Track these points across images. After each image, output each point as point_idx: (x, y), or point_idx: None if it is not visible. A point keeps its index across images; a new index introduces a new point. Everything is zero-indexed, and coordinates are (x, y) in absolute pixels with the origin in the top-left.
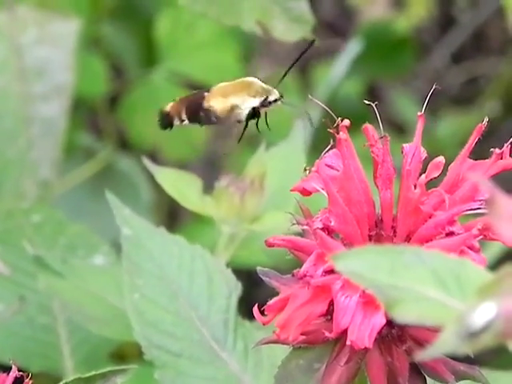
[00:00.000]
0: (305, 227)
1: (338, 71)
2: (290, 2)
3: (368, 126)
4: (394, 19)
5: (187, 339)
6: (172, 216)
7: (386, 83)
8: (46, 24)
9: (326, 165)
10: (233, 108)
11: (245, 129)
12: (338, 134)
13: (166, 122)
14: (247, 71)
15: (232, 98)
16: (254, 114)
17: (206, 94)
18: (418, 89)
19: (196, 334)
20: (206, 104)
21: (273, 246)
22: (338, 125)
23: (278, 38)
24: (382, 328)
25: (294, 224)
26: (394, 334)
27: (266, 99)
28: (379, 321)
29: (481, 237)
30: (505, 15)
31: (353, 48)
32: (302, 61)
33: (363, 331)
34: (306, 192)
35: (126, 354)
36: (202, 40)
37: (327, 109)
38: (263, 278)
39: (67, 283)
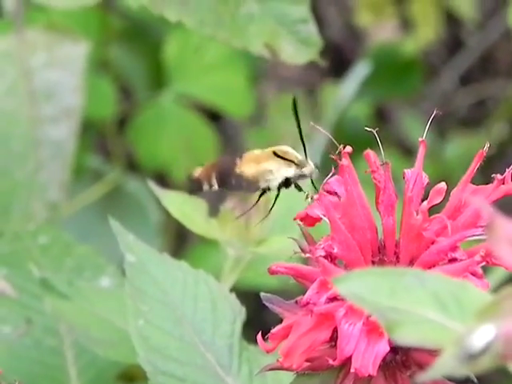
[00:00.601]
0: (308, 255)
1: (346, 93)
2: (297, 24)
3: (369, 152)
4: (403, 41)
5: (192, 364)
6: (180, 238)
7: (395, 105)
8: (55, 47)
9: (329, 191)
10: (266, 174)
11: (276, 198)
12: (340, 160)
13: (196, 187)
14: (255, 94)
15: (266, 164)
16: (286, 184)
17: (238, 160)
18: (426, 111)
19: (200, 359)
20: (238, 170)
21: (276, 274)
22: (340, 151)
23: (285, 61)
24: (386, 354)
25: (297, 252)
26: (398, 360)
27: (301, 171)
28: (383, 348)
29: (483, 263)
30: None
31: (361, 70)
32: (311, 83)
33: (367, 358)
34: (309, 219)
35: (135, 375)
36: (210, 62)
37: (329, 135)
38: (267, 304)
39: (73, 305)
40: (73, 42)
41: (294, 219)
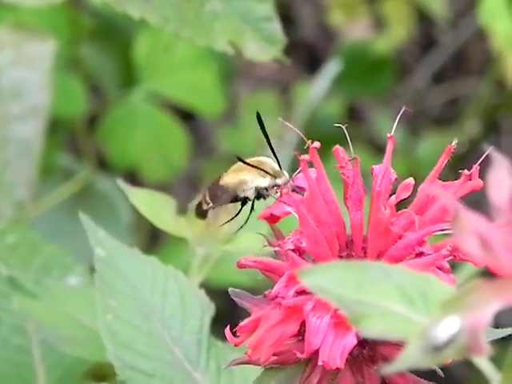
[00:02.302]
0: (276, 248)
1: (317, 91)
2: (261, 22)
3: (338, 147)
4: (375, 40)
5: (160, 359)
6: (152, 237)
7: (368, 104)
8: (22, 45)
9: (298, 186)
10: (241, 183)
11: (251, 210)
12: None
13: (199, 210)
14: (227, 92)
15: (243, 174)
16: (262, 194)
17: (224, 174)
18: (399, 109)
19: (169, 354)
20: (221, 181)
21: (244, 268)
22: (308, 147)
23: (250, 58)
24: (354, 348)
25: (265, 246)
26: (366, 354)
27: (275, 181)
28: (350, 341)
29: (450, 257)
30: (485, 36)
31: (332, 68)
32: (283, 82)
33: (335, 352)
34: (273, 218)
35: (107, 373)
36: (180, 61)
37: (300, 133)
38: (235, 299)
39: (41, 304)
40: (40, 41)
41: (259, 218)
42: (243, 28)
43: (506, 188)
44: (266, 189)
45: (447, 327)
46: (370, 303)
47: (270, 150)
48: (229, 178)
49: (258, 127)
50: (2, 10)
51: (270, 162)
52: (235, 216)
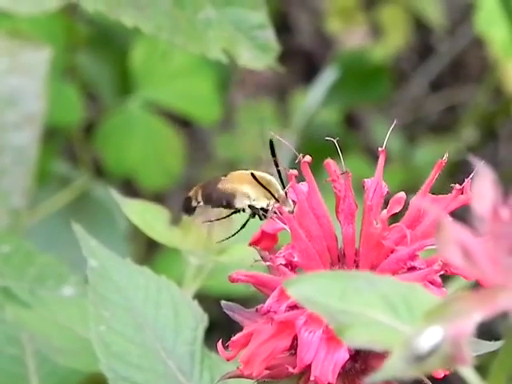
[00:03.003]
0: (268, 263)
1: (313, 99)
2: (255, 30)
3: (329, 161)
4: (372, 47)
5: (153, 371)
6: (150, 244)
7: (365, 111)
8: (17, 53)
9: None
10: (242, 196)
11: (245, 223)
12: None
13: (187, 205)
14: (224, 100)
15: (245, 187)
16: (260, 213)
17: (223, 178)
18: (396, 117)
19: (162, 365)
20: (220, 186)
21: (236, 282)
22: (298, 160)
23: (244, 66)
24: (346, 362)
25: (257, 260)
26: (358, 368)
27: (276, 205)
28: (342, 356)
29: (442, 272)
30: (482, 44)
31: (329, 75)
32: (281, 89)
33: (327, 366)
34: (267, 237)
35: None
36: (177, 69)
37: (293, 145)
38: (227, 312)
39: (35, 314)
40: (35, 48)
41: (249, 245)
42: (237, 36)
43: (489, 199)
44: (265, 210)
45: (430, 337)
46: (354, 313)
47: (280, 182)
48: (229, 186)
49: (269, 151)
50: None
51: (276, 184)
52: (225, 222)
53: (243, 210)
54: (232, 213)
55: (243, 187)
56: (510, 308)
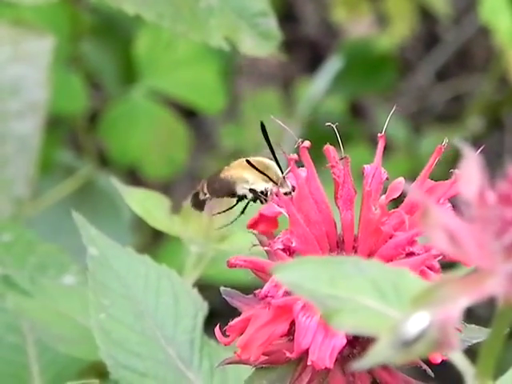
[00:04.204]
0: (266, 248)
1: (318, 88)
2: (257, 18)
3: (329, 147)
4: (378, 37)
5: (153, 359)
6: (155, 233)
7: (371, 101)
8: (20, 41)
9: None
10: (242, 181)
11: (245, 207)
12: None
13: (195, 200)
14: (228, 89)
15: (245, 173)
16: (260, 197)
17: (225, 167)
18: (402, 106)
19: (162, 353)
20: (221, 175)
21: (234, 267)
22: (298, 146)
23: (246, 54)
24: (344, 348)
25: (255, 245)
26: (356, 354)
27: (275, 188)
28: (340, 341)
29: (440, 257)
30: (488, 33)
31: (334, 65)
32: (285, 78)
33: (324, 351)
34: (265, 220)
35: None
36: (181, 58)
37: (297, 132)
38: (225, 298)
39: (35, 303)
40: (39, 37)
41: (248, 228)
42: (239, 24)
43: (475, 183)
44: (265, 193)
45: (417, 322)
46: (342, 298)
47: (273, 158)
48: (230, 173)
49: (262, 136)
50: (1, 6)
51: (274, 168)
52: (227, 210)
53: (245, 197)
54: (237, 201)
55: (242, 173)
56: (496, 293)
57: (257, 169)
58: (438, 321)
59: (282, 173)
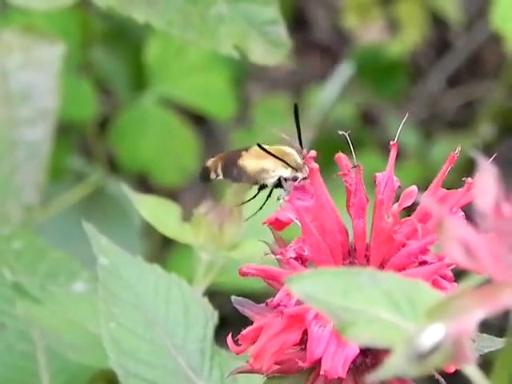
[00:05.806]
0: (278, 257)
1: (329, 94)
2: (267, 26)
3: (341, 155)
4: (389, 43)
5: (163, 368)
6: (165, 240)
7: (382, 107)
8: (31, 48)
9: (297, 197)
10: (263, 171)
11: (268, 196)
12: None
13: (204, 175)
14: (239, 96)
15: (265, 161)
16: (280, 183)
17: (243, 152)
18: (413, 113)
19: (172, 362)
20: (240, 162)
21: (246, 276)
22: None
23: (255, 62)
24: (356, 357)
25: (267, 254)
26: (368, 363)
27: (296, 174)
28: (353, 350)
29: (453, 266)
30: (499, 39)
31: (345, 71)
32: (296, 84)
33: (337, 361)
34: (279, 223)
35: (114, 378)
36: (192, 64)
37: (306, 139)
38: (237, 307)
39: (46, 310)
40: (49, 44)
41: (263, 224)
42: (249, 31)
43: (491, 195)
44: (286, 179)
45: (432, 334)
46: (356, 310)
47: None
48: (249, 163)
49: (294, 117)
50: (12, 12)
51: (293, 154)
52: (251, 200)
53: (265, 186)
54: (258, 190)
55: (262, 163)
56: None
57: (273, 155)
58: (453, 333)
59: (303, 156)
